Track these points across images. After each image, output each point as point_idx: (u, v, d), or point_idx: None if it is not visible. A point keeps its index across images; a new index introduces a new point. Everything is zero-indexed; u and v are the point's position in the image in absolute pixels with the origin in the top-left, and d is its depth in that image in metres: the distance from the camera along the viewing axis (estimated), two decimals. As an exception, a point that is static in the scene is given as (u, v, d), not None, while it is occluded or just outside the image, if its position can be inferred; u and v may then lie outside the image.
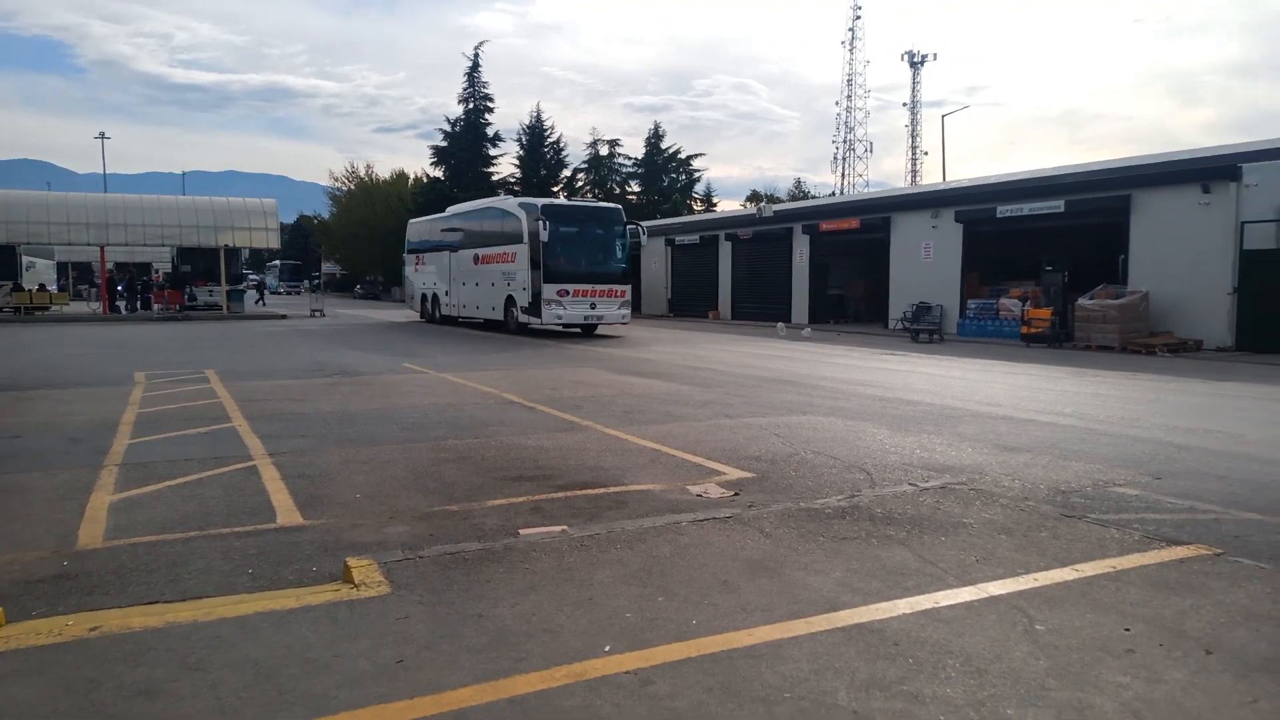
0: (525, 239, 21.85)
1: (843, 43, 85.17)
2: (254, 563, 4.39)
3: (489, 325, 25.30)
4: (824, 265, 31.72)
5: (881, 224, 28.20)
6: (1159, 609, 3.83)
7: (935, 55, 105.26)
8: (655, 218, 45.80)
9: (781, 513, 5.36)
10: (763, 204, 43.79)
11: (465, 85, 54.37)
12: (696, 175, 59.63)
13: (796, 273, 31.65)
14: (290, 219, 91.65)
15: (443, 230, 28.27)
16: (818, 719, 2.84)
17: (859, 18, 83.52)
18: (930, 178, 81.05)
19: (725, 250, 35.34)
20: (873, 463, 6.94)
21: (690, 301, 37.36)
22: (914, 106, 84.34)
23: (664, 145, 58.05)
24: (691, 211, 55.91)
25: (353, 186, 66.63)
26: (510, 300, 22.98)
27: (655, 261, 38.81)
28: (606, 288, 22.09)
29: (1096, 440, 8.04)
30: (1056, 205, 22.40)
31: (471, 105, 54.24)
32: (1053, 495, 5.91)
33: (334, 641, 3.42)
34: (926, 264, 26.46)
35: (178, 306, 33.33)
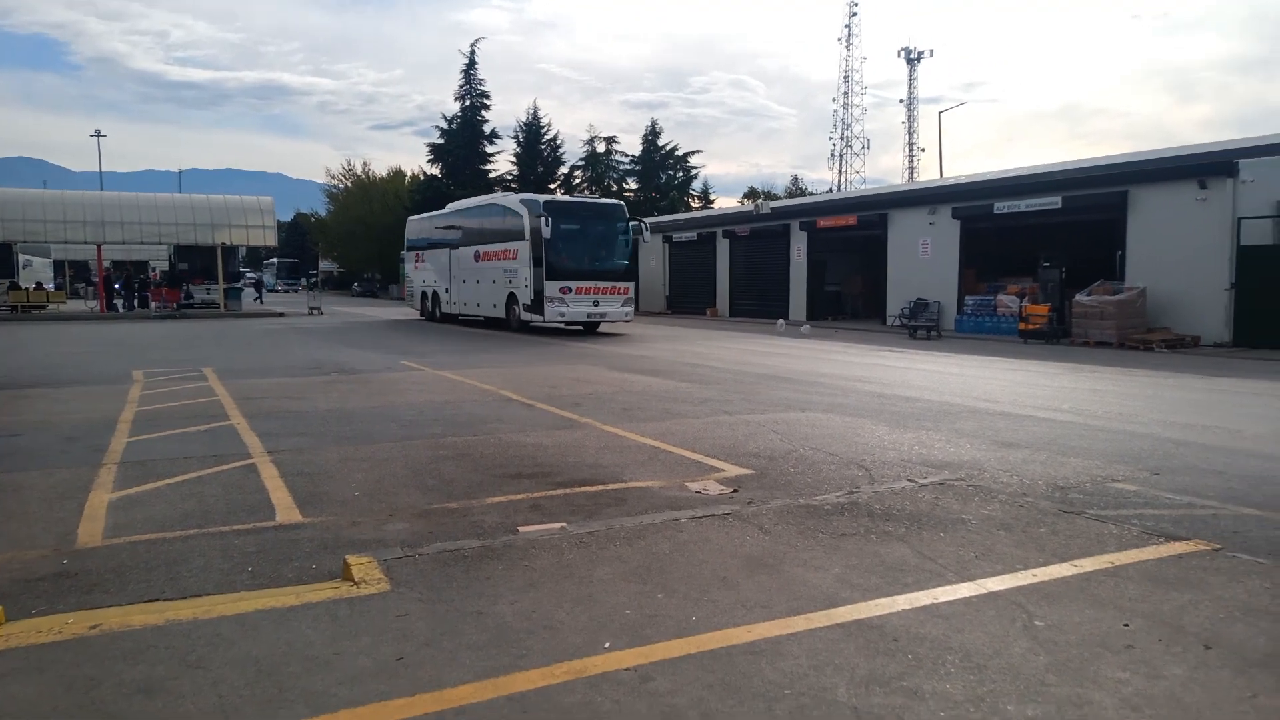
0: (527, 236, 21.66)
1: (839, 39, 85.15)
2: (254, 560, 4.39)
3: (490, 323, 25.16)
4: (821, 262, 31.72)
5: (879, 221, 28.20)
6: (1158, 604, 3.84)
7: (932, 52, 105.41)
8: (653, 215, 45.76)
9: (780, 509, 5.37)
10: (760, 201, 43.76)
11: (462, 82, 54.31)
12: (694, 172, 59.54)
13: (794, 270, 31.65)
14: (287, 217, 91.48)
15: (443, 227, 28.03)
16: (817, 715, 2.85)
17: (855, 14, 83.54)
18: (927, 174, 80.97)
19: (723, 247, 35.33)
20: (871, 459, 6.95)
21: (688, 299, 37.35)
22: (911, 103, 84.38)
23: (661, 142, 57.96)
24: (689, 209, 55.85)
25: (349, 184, 66.50)
26: (512, 298, 22.80)
27: (653, 259, 38.79)
28: (609, 285, 21.89)
29: (1094, 436, 8.05)
30: (1054, 201, 22.41)
31: (468, 102, 54.15)
32: (1051, 491, 5.92)
33: (334, 639, 3.42)
34: (924, 260, 26.46)
35: (175, 305, 33.28)
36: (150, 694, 2.97)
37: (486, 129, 54.71)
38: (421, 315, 29.97)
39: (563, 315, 21.42)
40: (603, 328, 23.69)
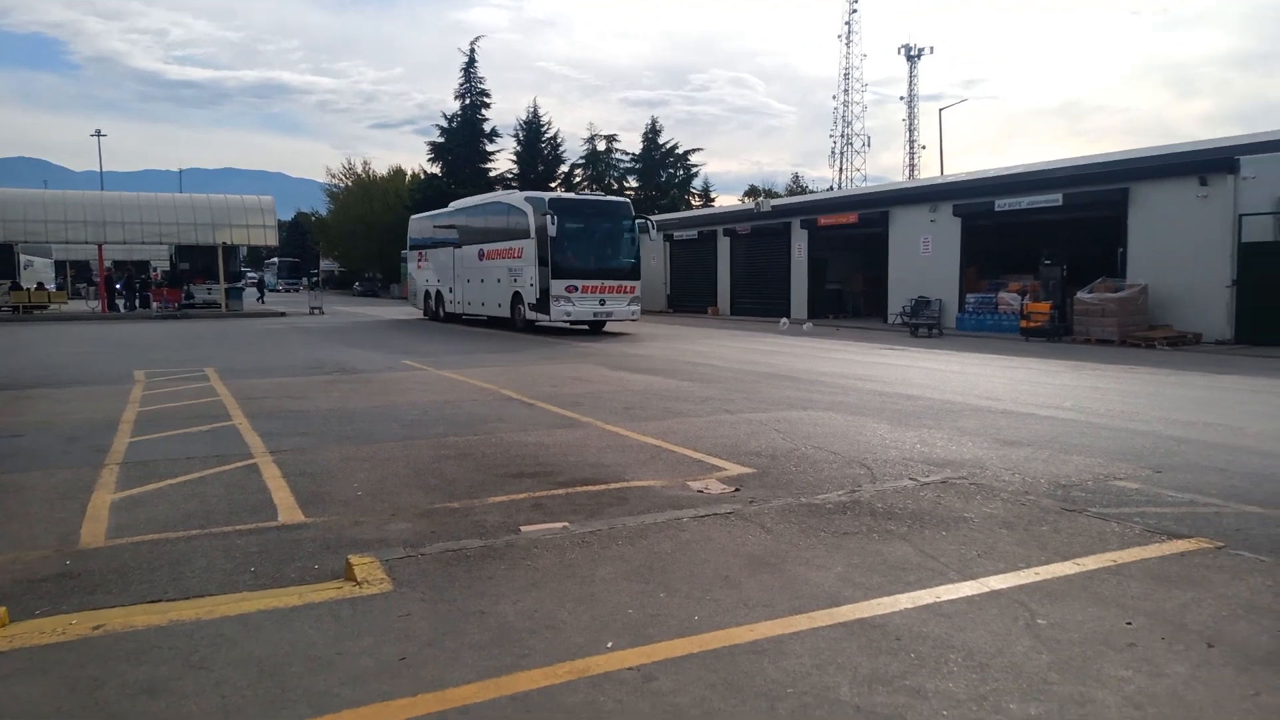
0: (532, 234, 21.44)
1: (839, 36, 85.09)
2: (256, 561, 4.39)
3: (494, 323, 24.97)
4: (822, 260, 31.70)
5: (879, 218, 28.18)
6: (1160, 602, 3.84)
7: (932, 49, 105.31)
8: (654, 213, 45.75)
9: (782, 508, 5.37)
10: (761, 199, 43.75)
11: (461, 81, 54.27)
12: (694, 170, 59.55)
13: (795, 268, 31.63)
14: (288, 216, 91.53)
15: (447, 226, 27.81)
16: (820, 714, 2.85)
17: (855, 11, 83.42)
18: (928, 172, 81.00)
19: (724, 246, 35.31)
20: (873, 458, 6.94)
21: (689, 297, 37.34)
22: (911, 100, 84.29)
23: (661, 140, 57.99)
24: (689, 207, 55.85)
25: (350, 183, 66.52)
26: (517, 297, 22.57)
27: (654, 257, 38.76)
28: (616, 283, 21.63)
29: (1096, 434, 8.05)
30: (1054, 199, 22.38)
31: (468, 101, 54.12)
32: (1053, 489, 5.91)
33: (337, 639, 3.42)
34: (925, 258, 26.44)
35: (176, 304, 33.30)
36: (153, 694, 2.97)
37: (487, 127, 54.71)
38: (425, 315, 29.82)
39: (569, 314, 21.19)
40: (608, 327, 23.49)
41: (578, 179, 56.47)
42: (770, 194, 64.15)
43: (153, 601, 3.85)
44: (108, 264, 36.58)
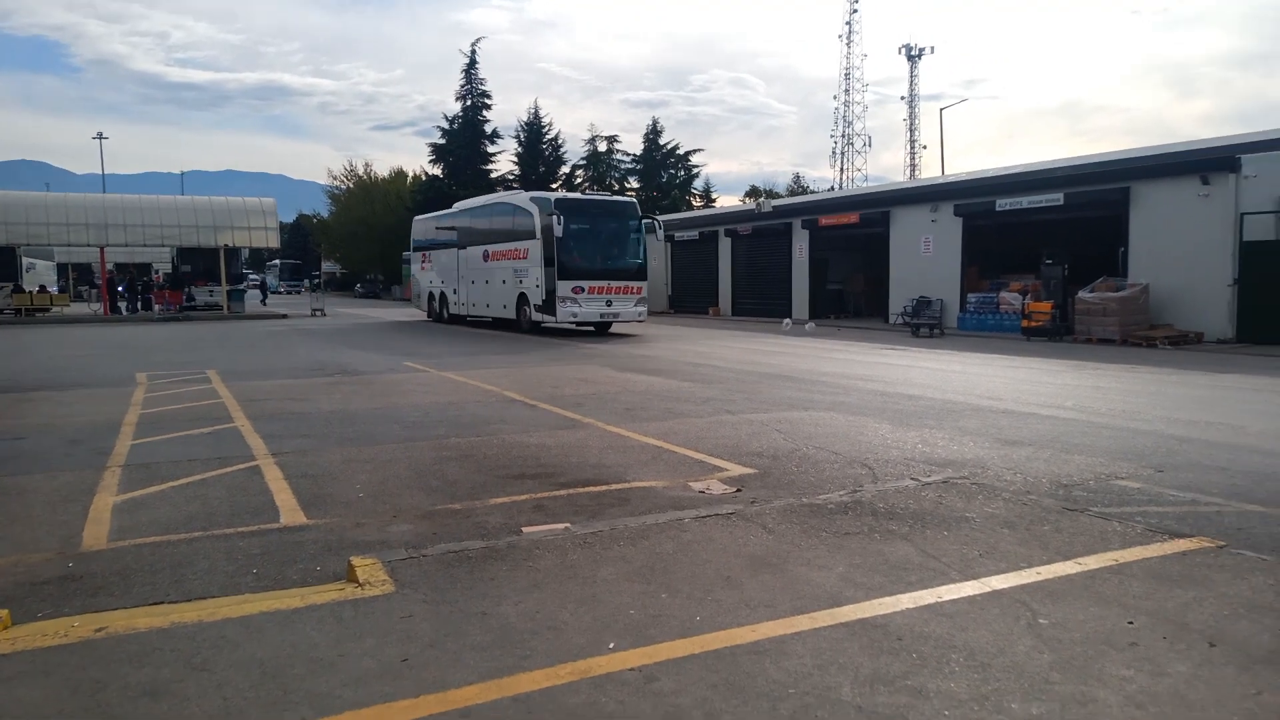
0: (538, 234, 21.26)
1: (840, 36, 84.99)
2: (258, 563, 4.40)
3: (499, 324, 24.81)
4: (823, 260, 31.69)
5: (880, 218, 28.17)
6: (1162, 602, 3.83)
7: (933, 48, 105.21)
8: (655, 214, 45.77)
9: (784, 508, 5.37)
10: (762, 200, 43.75)
11: (462, 82, 54.31)
12: (695, 171, 59.56)
13: (796, 268, 31.63)
14: (289, 218, 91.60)
15: (450, 227, 27.63)
16: (822, 715, 2.85)
17: (856, 11, 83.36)
18: (929, 172, 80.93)
19: (725, 246, 35.32)
20: (875, 458, 6.94)
21: (690, 298, 37.34)
22: (912, 100, 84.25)
23: (662, 141, 57.98)
24: (690, 207, 55.87)
25: (351, 185, 66.58)
26: (523, 298, 22.39)
27: (655, 258, 38.69)
28: (622, 284, 21.43)
29: (1098, 433, 8.04)
30: (1055, 198, 22.37)
31: (469, 102, 54.16)
32: (1055, 489, 5.91)
33: (339, 641, 3.43)
34: (926, 258, 26.44)
35: (178, 307, 33.34)
36: (155, 697, 2.98)
37: (488, 129, 54.75)
38: (429, 317, 29.71)
39: (575, 315, 21.00)
40: (613, 328, 23.29)
41: (579, 180, 56.51)
42: (771, 194, 64.14)
43: (155, 604, 3.85)
44: (109, 266, 36.65)
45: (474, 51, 54.23)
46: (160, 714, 2.87)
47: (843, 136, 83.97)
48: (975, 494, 5.75)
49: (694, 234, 37.23)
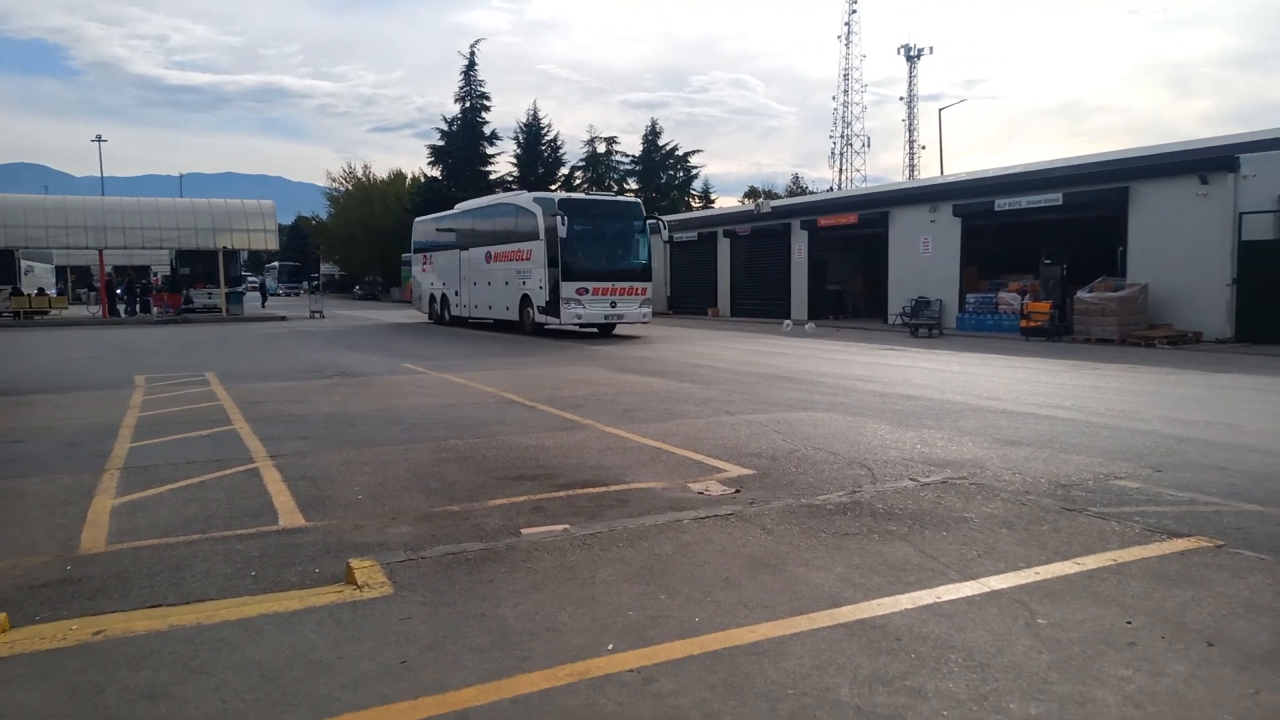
0: (542, 235, 21.10)
1: (839, 37, 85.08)
2: (257, 565, 4.40)
3: (502, 326, 24.64)
4: (822, 261, 31.71)
5: (879, 219, 28.20)
6: (1160, 601, 3.84)
7: (932, 49, 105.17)
8: (654, 215, 45.74)
9: (783, 509, 5.37)
10: (761, 200, 43.78)
11: (461, 84, 54.36)
12: (694, 172, 59.60)
13: (795, 269, 31.65)
14: (288, 220, 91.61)
15: (452, 229, 27.44)
16: (820, 715, 2.85)
17: (855, 11, 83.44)
18: (928, 172, 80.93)
19: (724, 247, 35.34)
20: (873, 458, 6.94)
21: (689, 299, 37.35)
22: (911, 100, 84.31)
23: (661, 142, 58.02)
24: (690, 208, 55.89)
25: (350, 187, 66.61)
26: (526, 300, 22.25)
27: (655, 258, 38.76)
28: (627, 285, 21.27)
29: (1096, 433, 8.05)
30: (1054, 198, 22.39)
31: (468, 104, 54.20)
32: (1053, 489, 5.91)
33: (337, 643, 3.43)
34: (925, 258, 26.46)
35: (176, 309, 33.33)
36: (154, 699, 2.98)
37: (487, 130, 54.81)
38: (430, 318, 29.58)
39: (579, 317, 20.85)
40: (616, 329, 23.10)
41: (578, 181, 56.55)
42: (770, 195, 64.18)
43: (153, 606, 3.85)
44: (108, 269, 36.63)
45: (473, 53, 54.35)
46: (159, 717, 2.87)
47: (841, 137, 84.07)
48: (974, 494, 5.76)
49: (693, 235, 37.24)
